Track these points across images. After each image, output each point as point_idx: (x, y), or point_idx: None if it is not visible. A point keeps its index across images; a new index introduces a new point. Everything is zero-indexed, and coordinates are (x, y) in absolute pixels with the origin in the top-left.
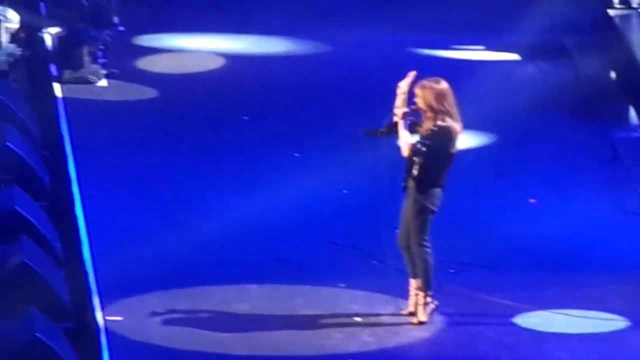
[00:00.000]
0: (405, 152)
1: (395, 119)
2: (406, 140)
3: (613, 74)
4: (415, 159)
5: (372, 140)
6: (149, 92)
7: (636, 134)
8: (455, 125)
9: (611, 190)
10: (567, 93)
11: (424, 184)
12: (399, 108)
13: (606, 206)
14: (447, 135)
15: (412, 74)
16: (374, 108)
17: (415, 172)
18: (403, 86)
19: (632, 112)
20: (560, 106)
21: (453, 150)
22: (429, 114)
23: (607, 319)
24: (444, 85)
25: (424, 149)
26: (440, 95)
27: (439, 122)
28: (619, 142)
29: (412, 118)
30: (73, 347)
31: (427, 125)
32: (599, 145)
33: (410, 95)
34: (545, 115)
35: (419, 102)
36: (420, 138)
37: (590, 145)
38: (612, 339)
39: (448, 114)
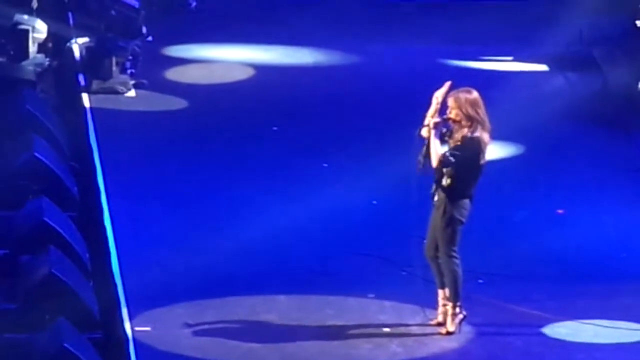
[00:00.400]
0: (435, 162)
1: (425, 129)
2: (437, 150)
3: None
4: (445, 169)
5: (402, 150)
6: (178, 103)
7: None
8: (485, 135)
9: (639, 201)
10: (595, 104)
11: (453, 194)
12: (432, 117)
13: (635, 216)
14: (476, 146)
15: (448, 84)
16: (403, 118)
17: (444, 182)
18: (439, 95)
19: None
20: (588, 117)
21: (482, 161)
22: (462, 123)
23: (635, 329)
24: (476, 94)
25: (453, 159)
26: (474, 104)
27: (469, 133)
28: None
29: (443, 128)
30: (101, 357)
31: (457, 135)
32: (628, 156)
33: (442, 106)
34: (573, 126)
35: (452, 112)
36: (450, 149)
37: (618, 156)
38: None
39: (481, 123)
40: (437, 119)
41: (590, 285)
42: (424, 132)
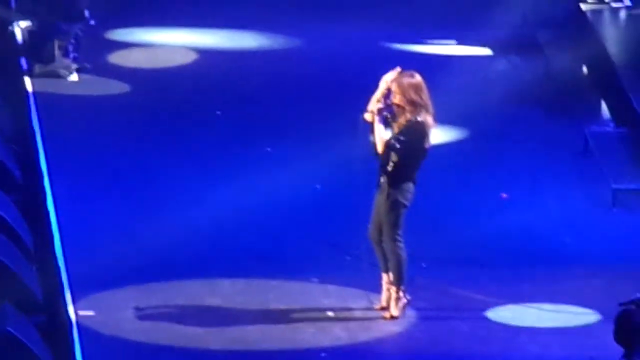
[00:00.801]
0: (379, 148)
1: (369, 114)
2: (381, 136)
3: (585, 69)
4: (390, 155)
5: (345, 134)
6: (120, 87)
7: (608, 128)
8: (429, 119)
9: (583, 184)
10: (539, 88)
11: (398, 178)
12: (378, 102)
13: (579, 200)
14: (421, 131)
15: (397, 70)
16: (346, 102)
17: (389, 167)
18: (388, 80)
19: (603, 106)
20: (532, 101)
21: (427, 145)
22: (407, 108)
23: (578, 313)
24: (419, 78)
25: (398, 145)
26: (418, 89)
27: (414, 118)
28: (591, 136)
29: (386, 113)
30: (45, 341)
31: (401, 120)
32: (571, 140)
33: (386, 91)
34: (517, 110)
35: (396, 96)
36: (395, 134)
37: (562, 140)
38: (584, 332)
39: (425, 107)
40: (381, 105)
41: (535, 269)
42: (368, 117)
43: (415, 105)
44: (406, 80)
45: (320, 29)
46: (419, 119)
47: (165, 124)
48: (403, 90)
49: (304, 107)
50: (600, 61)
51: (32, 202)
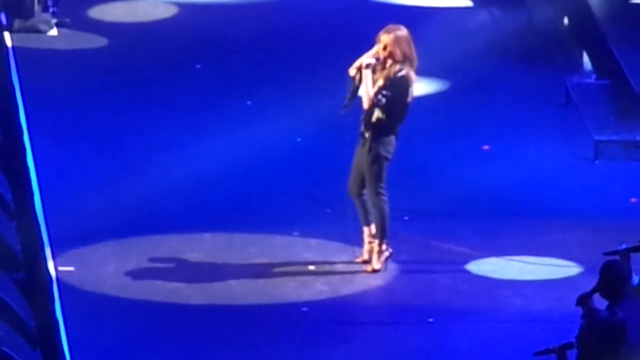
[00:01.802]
0: (366, 104)
1: (354, 69)
2: (368, 92)
3: (566, 20)
4: (374, 109)
5: (326, 87)
6: (100, 41)
7: (589, 80)
8: (412, 73)
9: (565, 136)
10: (520, 40)
11: (380, 132)
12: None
13: (560, 152)
14: (405, 85)
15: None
16: (328, 55)
17: (372, 121)
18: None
19: (585, 58)
20: (513, 53)
21: (409, 99)
22: (394, 60)
23: (561, 265)
24: (406, 31)
25: (384, 100)
26: (409, 42)
27: (398, 72)
28: (573, 88)
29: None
30: (25, 298)
31: (386, 73)
32: (553, 92)
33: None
34: (498, 62)
35: (388, 48)
36: (379, 88)
37: (543, 92)
38: (566, 285)
39: (411, 60)
40: (369, 60)
41: (516, 222)
42: (352, 71)
43: (405, 58)
44: (398, 33)
45: None
46: (403, 73)
47: (145, 78)
48: (395, 43)
49: (285, 61)
50: (582, 13)
51: (12, 158)
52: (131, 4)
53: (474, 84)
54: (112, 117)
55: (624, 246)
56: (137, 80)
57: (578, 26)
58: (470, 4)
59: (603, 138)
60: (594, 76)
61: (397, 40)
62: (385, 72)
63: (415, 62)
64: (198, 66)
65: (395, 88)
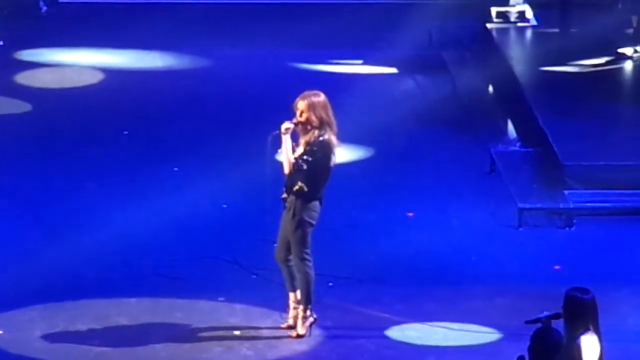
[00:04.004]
0: (286, 169)
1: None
2: (288, 157)
3: (491, 88)
4: (296, 175)
5: (250, 154)
6: (25, 107)
7: (513, 148)
8: (333, 138)
9: (490, 204)
10: (445, 107)
11: (303, 197)
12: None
13: (484, 219)
14: (326, 149)
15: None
16: (254, 121)
17: (295, 187)
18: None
19: (509, 125)
20: (438, 120)
21: (332, 164)
22: (312, 126)
23: (483, 332)
24: (324, 97)
25: (305, 166)
26: (324, 107)
27: (319, 137)
28: (497, 155)
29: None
30: None
31: (306, 139)
32: (477, 159)
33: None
34: (423, 129)
35: (303, 115)
36: (300, 154)
37: (468, 159)
38: (488, 351)
39: (330, 125)
40: (287, 125)
41: (439, 288)
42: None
43: (322, 123)
44: (314, 98)
45: (227, 49)
46: (325, 137)
47: (71, 143)
48: (310, 108)
49: (211, 127)
50: (506, 80)
51: None
52: (58, 70)
53: (398, 151)
54: (38, 182)
55: (545, 314)
56: (63, 146)
57: (503, 94)
58: (395, 71)
59: (527, 205)
60: (518, 144)
61: (312, 106)
62: (306, 137)
63: (335, 127)
64: (125, 132)
65: (316, 152)
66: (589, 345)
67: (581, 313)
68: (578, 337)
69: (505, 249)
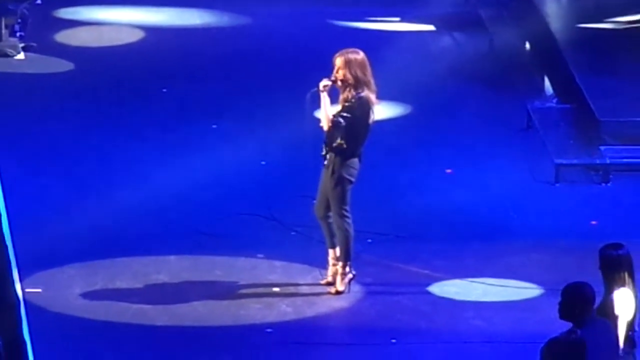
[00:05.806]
0: (325, 126)
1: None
2: (327, 114)
3: (528, 45)
4: (335, 132)
5: (291, 111)
6: (66, 65)
7: (550, 104)
8: (372, 96)
9: (526, 160)
10: (482, 64)
11: (343, 154)
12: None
13: (521, 175)
14: (365, 107)
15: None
16: (292, 79)
17: (335, 144)
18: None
19: (546, 82)
20: (475, 77)
21: (370, 121)
22: (350, 83)
23: (522, 287)
24: (362, 55)
25: (344, 122)
26: (362, 65)
27: (358, 94)
28: (534, 112)
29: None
30: None
31: (344, 96)
32: (514, 115)
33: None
34: (460, 86)
35: (341, 72)
36: (339, 111)
37: (505, 116)
38: (527, 307)
39: (367, 84)
40: (326, 82)
41: (478, 244)
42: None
43: (358, 81)
44: (351, 56)
45: (265, 6)
46: (362, 95)
47: (111, 102)
48: (348, 66)
49: (250, 84)
50: (543, 37)
51: None
52: (97, 28)
53: (436, 108)
54: (78, 140)
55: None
56: (103, 104)
57: (540, 51)
58: (433, 28)
59: (563, 161)
60: (555, 100)
61: (348, 63)
62: (344, 94)
63: (373, 86)
64: (164, 90)
65: (355, 109)
66: (623, 300)
67: (617, 269)
68: (613, 292)
69: (542, 205)
